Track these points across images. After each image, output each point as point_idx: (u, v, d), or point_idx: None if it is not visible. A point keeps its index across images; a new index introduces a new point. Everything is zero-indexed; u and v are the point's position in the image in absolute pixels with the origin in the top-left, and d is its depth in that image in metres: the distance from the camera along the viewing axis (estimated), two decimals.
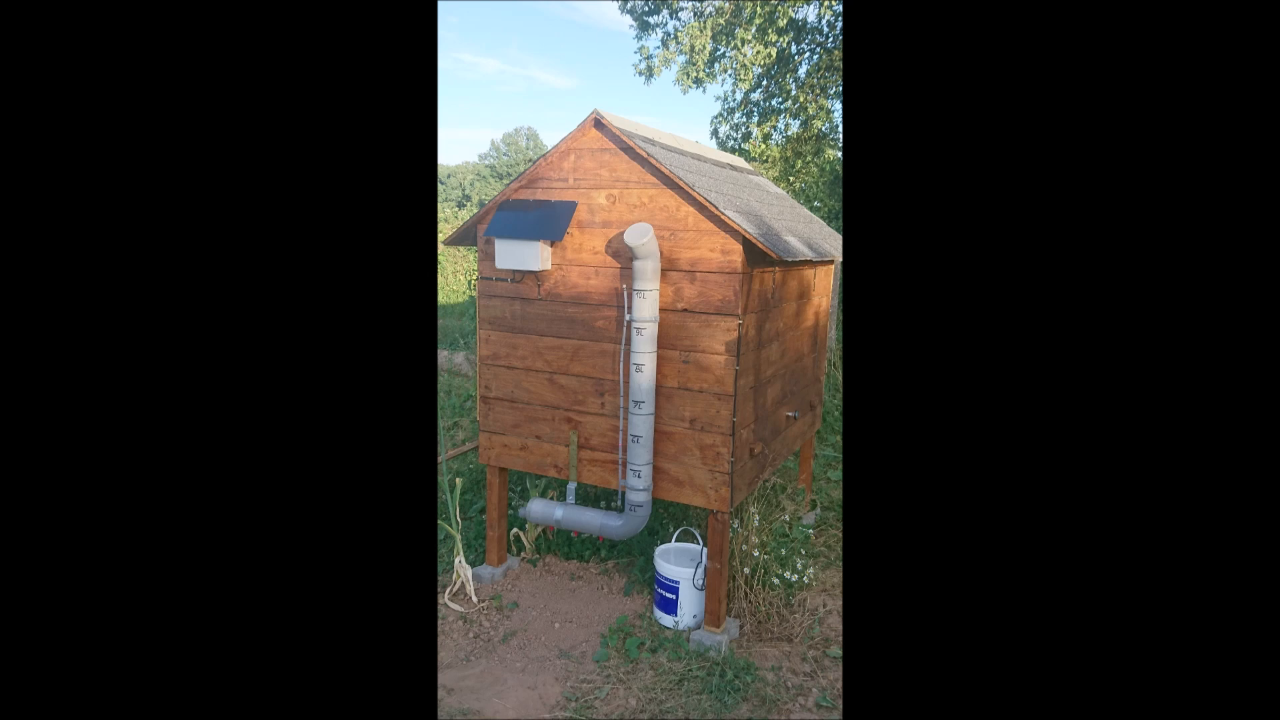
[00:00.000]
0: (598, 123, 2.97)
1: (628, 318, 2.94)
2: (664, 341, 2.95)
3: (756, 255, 2.87)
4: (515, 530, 3.78)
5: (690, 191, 2.76)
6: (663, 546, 3.41)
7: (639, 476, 2.98)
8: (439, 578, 3.45)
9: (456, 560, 3.41)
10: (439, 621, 3.17)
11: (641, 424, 2.93)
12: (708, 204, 2.73)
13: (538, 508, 3.37)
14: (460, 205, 32.56)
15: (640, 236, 2.72)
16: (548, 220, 3.03)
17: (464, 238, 3.39)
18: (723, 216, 2.70)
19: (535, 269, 3.05)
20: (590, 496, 3.92)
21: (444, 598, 3.35)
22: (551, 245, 3.10)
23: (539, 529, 3.83)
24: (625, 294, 2.96)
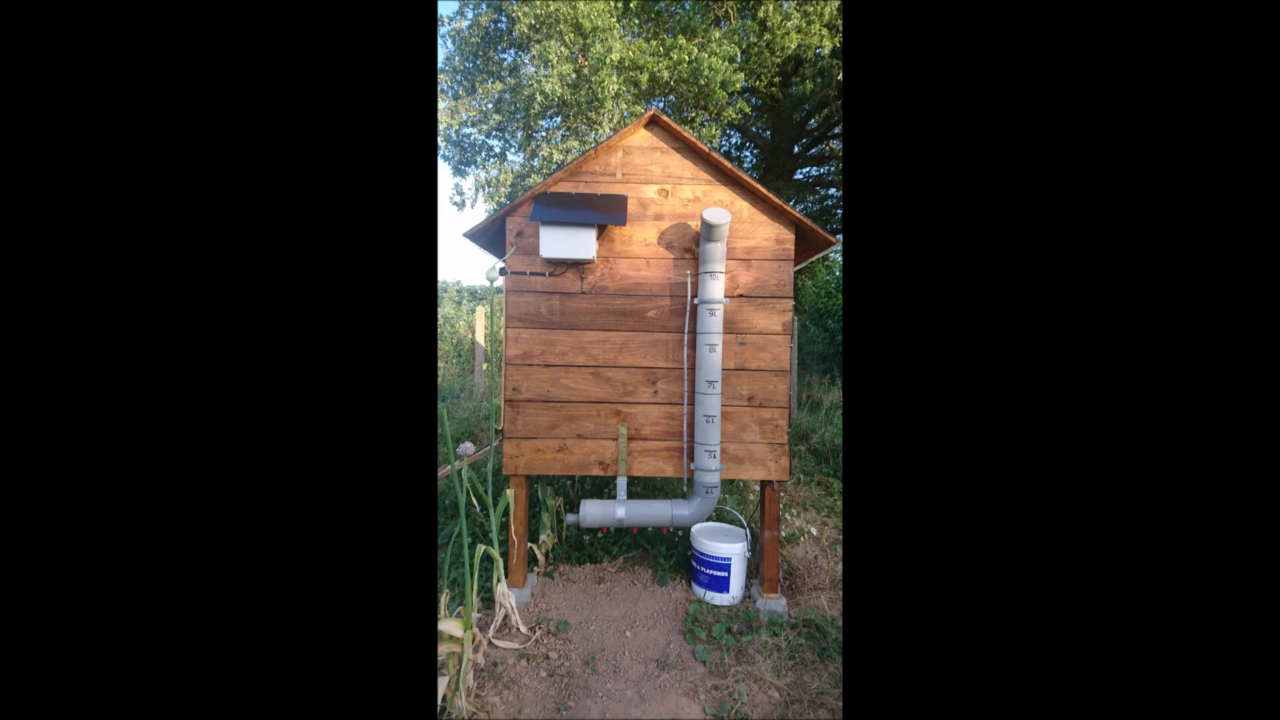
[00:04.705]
0: (652, 122, 3.09)
1: (696, 300, 3.08)
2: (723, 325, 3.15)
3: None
4: (529, 545, 3.47)
5: (752, 185, 3.07)
6: (697, 527, 3.49)
7: (713, 456, 3.09)
8: (479, 614, 3.01)
9: (499, 589, 3.01)
10: (499, 669, 2.74)
11: (715, 403, 3.06)
12: (769, 196, 3.06)
13: (593, 509, 3.19)
14: None
15: (720, 216, 2.90)
16: (602, 208, 3.01)
17: (490, 230, 3.12)
18: (785, 208, 3.06)
19: (587, 258, 2.99)
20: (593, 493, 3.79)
21: (488, 636, 2.93)
22: (599, 237, 3.07)
23: (553, 541, 3.57)
24: (689, 280, 3.09)
